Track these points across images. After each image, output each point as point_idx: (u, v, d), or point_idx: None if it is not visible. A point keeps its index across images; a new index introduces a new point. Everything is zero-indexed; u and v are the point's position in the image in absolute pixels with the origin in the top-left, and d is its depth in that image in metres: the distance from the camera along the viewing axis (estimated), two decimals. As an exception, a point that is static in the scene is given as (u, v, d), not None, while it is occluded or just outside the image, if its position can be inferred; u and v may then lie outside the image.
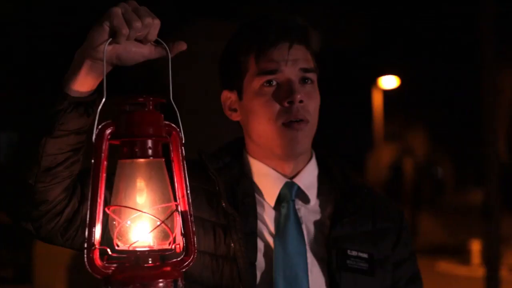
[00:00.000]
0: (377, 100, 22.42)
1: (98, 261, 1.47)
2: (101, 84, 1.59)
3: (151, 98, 1.49)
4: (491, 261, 7.18)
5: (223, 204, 1.90)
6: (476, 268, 14.41)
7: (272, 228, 1.95)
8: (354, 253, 1.94)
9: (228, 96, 2.02)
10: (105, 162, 1.49)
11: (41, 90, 1.68)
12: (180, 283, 1.48)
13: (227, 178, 1.96)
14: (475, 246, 15.59)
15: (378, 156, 24.67)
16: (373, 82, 21.97)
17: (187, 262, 1.53)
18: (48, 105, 1.63)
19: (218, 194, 1.92)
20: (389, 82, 21.57)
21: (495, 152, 7.28)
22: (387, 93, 22.43)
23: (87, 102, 1.64)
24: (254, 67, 1.94)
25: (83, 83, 1.62)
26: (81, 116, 1.63)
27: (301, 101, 1.91)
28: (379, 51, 20.35)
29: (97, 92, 1.65)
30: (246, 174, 2.00)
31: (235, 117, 2.02)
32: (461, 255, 16.28)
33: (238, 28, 2.02)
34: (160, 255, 1.49)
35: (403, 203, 21.30)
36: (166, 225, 1.47)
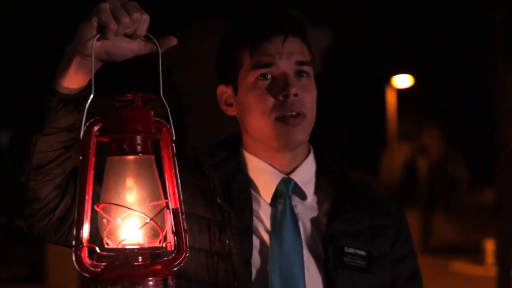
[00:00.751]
0: (391, 99, 22.39)
1: (86, 260, 1.45)
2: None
3: (140, 94, 1.48)
4: (503, 260, 7.16)
5: (218, 201, 1.88)
6: (490, 268, 14.36)
7: (268, 224, 1.93)
8: (351, 250, 1.92)
9: (224, 91, 2.00)
10: (93, 159, 1.47)
11: (34, 87, 1.67)
12: (170, 281, 1.46)
13: (223, 174, 1.94)
14: (489, 246, 15.53)
15: (392, 155, 24.61)
16: (387, 81, 21.94)
17: (178, 261, 1.51)
18: (38, 102, 1.61)
19: (213, 191, 1.90)
20: (403, 81, 21.54)
21: (507, 151, 7.25)
22: (401, 92, 22.39)
23: (78, 99, 1.62)
24: (248, 61, 1.92)
25: (73, 79, 1.60)
26: (71, 113, 1.62)
27: (296, 95, 1.88)
28: (392, 50, 20.29)
29: (88, 89, 1.63)
30: (242, 169, 1.98)
31: (231, 111, 2.00)
32: (475, 254, 16.23)
33: (233, 22, 2.00)
34: (152, 254, 1.48)
35: (417, 203, 21.25)
36: (156, 222, 1.45)
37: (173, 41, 1.57)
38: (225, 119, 2.08)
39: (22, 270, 12.99)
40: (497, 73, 7.15)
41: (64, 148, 1.65)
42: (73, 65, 1.58)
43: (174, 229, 1.51)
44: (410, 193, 22.39)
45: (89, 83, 1.60)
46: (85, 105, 1.51)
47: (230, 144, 2.03)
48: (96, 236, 1.49)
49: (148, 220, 1.45)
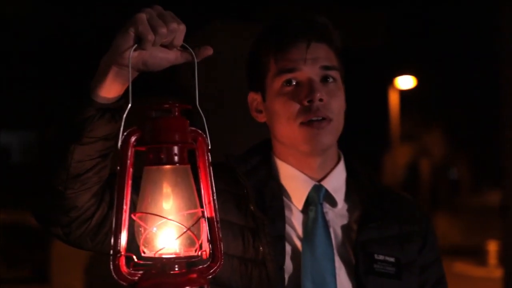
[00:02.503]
0: (394, 100, 22.37)
1: (124, 268, 1.45)
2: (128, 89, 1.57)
3: (177, 104, 1.48)
4: (508, 262, 7.13)
5: (252, 208, 1.89)
6: (493, 269, 14.38)
7: (300, 231, 1.94)
8: (381, 257, 1.93)
9: (254, 98, 2.03)
10: (131, 169, 1.47)
11: (69, 93, 1.67)
12: (206, 289, 1.47)
13: (255, 181, 1.95)
14: (492, 247, 15.55)
15: (394, 156, 24.59)
16: (389, 82, 21.93)
17: (213, 269, 1.51)
18: (75, 111, 1.62)
19: (246, 198, 1.91)
20: (405, 82, 21.53)
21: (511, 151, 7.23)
22: (403, 93, 22.37)
23: (115, 108, 1.63)
24: (274, 68, 1.94)
25: (110, 89, 1.61)
26: (108, 123, 1.62)
27: (321, 100, 1.90)
28: (395, 51, 20.30)
29: (124, 98, 1.63)
30: (273, 176, 1.99)
31: (261, 118, 2.02)
32: (478, 256, 16.24)
33: (261, 30, 2.02)
34: (187, 262, 1.48)
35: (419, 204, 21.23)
36: (192, 232, 1.46)
37: (209, 51, 1.57)
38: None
39: (27, 271, 13.01)
40: (504, 70, 7.14)
41: (101, 157, 1.66)
42: (109, 75, 1.58)
43: (209, 238, 1.51)
44: (412, 194, 22.39)
45: (126, 92, 1.61)
46: (123, 114, 1.51)
47: (261, 151, 2.04)
48: (132, 243, 1.49)
49: (184, 230, 1.45)
